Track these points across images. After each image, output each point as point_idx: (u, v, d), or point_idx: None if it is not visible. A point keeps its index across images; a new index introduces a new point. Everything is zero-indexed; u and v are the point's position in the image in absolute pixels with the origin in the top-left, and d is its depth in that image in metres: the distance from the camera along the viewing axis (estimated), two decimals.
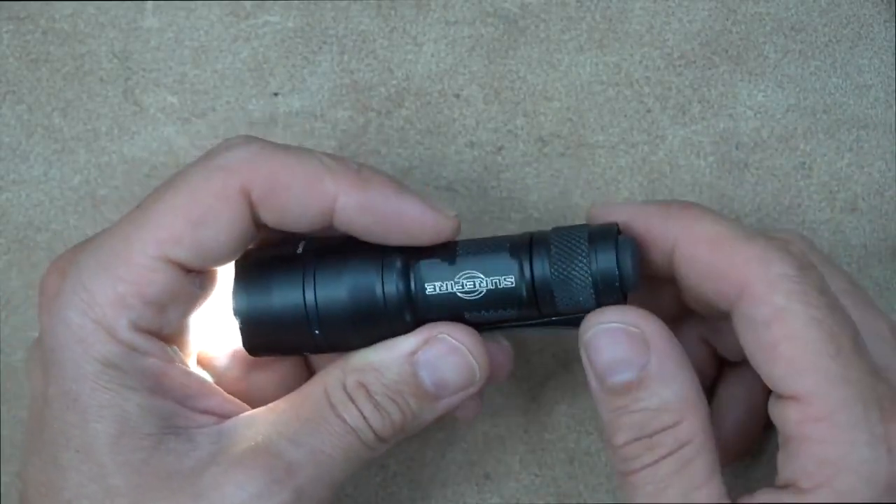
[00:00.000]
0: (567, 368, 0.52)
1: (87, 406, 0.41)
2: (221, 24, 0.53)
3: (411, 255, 0.43)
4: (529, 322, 0.44)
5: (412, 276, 0.43)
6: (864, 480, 0.39)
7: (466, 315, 0.43)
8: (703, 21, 0.53)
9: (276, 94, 0.53)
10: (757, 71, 0.53)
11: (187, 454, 0.41)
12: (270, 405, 0.44)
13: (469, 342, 0.43)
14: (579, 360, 0.53)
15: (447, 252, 0.43)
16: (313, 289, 0.43)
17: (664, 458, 0.41)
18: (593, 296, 0.42)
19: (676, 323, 0.45)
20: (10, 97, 0.53)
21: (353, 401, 0.43)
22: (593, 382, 0.42)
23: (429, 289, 0.43)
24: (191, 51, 0.53)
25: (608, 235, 0.42)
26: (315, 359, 0.48)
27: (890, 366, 0.42)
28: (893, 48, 0.52)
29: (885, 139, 0.52)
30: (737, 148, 0.52)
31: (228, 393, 0.45)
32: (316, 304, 0.43)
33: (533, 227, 0.47)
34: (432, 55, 0.53)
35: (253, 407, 0.44)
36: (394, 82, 0.53)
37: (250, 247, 0.44)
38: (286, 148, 0.43)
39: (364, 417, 0.43)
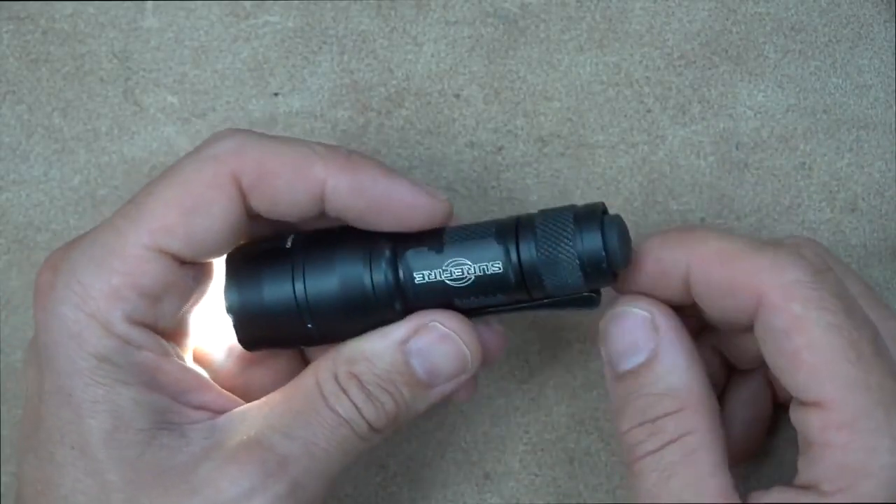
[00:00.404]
0: (567, 369, 0.52)
1: (82, 402, 0.41)
2: (221, 24, 0.53)
3: (399, 245, 0.43)
4: (521, 306, 0.43)
5: (400, 265, 0.43)
6: (885, 486, 0.39)
7: (457, 302, 0.43)
8: (703, 21, 0.53)
9: (276, 94, 0.53)
10: (757, 71, 0.52)
11: (180, 450, 0.41)
12: (264, 399, 0.43)
13: (460, 329, 0.43)
14: (579, 360, 0.53)
15: (434, 240, 0.43)
16: (303, 282, 0.43)
17: (667, 445, 0.41)
18: (581, 277, 0.42)
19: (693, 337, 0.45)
20: (10, 97, 0.53)
21: (345, 392, 0.43)
22: (607, 371, 0.43)
23: (417, 278, 0.43)
24: (191, 51, 0.53)
25: (593, 215, 0.42)
26: (311, 351, 0.48)
27: None
28: (893, 48, 0.52)
29: (885, 139, 0.52)
30: (737, 148, 0.52)
31: (226, 389, 0.45)
32: (306, 296, 0.43)
33: None
34: (432, 55, 0.53)
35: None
36: (394, 82, 0.53)
37: (241, 243, 0.44)
38: (275, 137, 0.43)
39: (357, 408, 0.42)
